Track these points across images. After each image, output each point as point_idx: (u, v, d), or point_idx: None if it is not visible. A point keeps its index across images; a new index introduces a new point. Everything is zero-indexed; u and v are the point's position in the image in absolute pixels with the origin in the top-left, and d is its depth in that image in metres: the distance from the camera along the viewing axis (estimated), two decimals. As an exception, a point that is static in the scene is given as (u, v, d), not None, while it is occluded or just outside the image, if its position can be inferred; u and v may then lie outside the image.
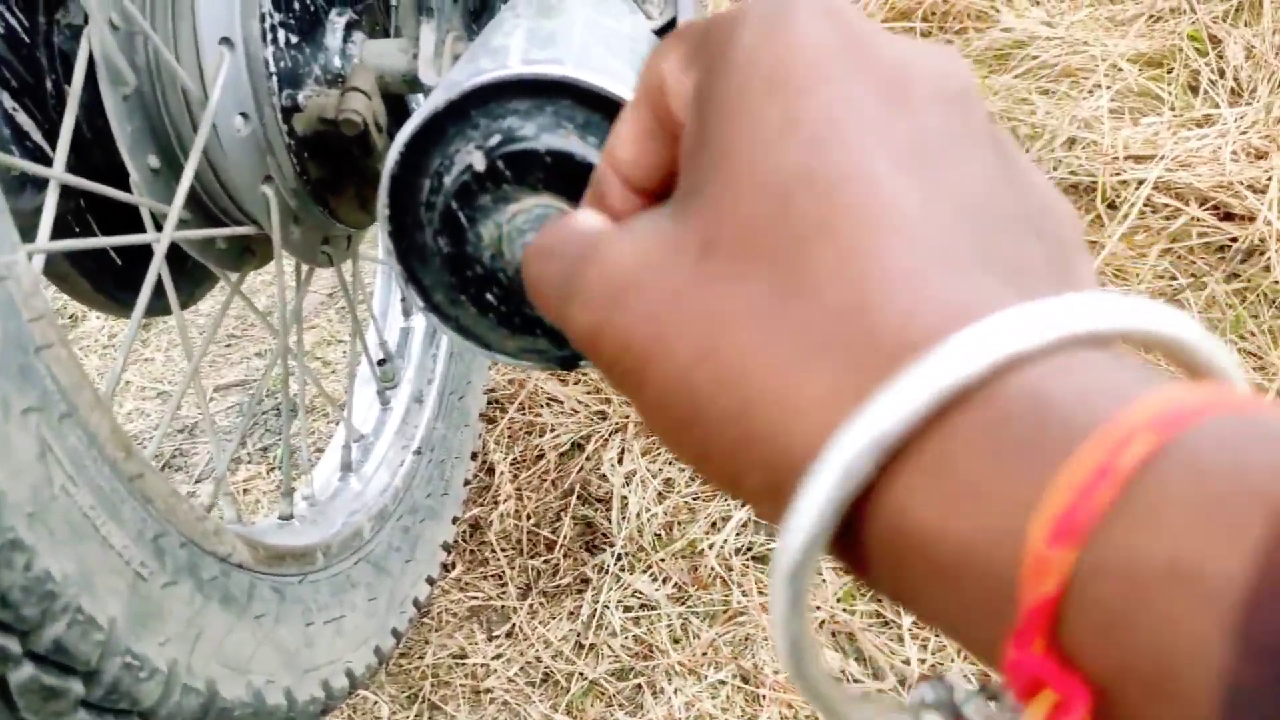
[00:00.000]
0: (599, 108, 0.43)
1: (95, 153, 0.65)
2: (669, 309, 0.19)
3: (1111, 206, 1.29)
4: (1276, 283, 1.13)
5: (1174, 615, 0.13)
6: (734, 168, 0.19)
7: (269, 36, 0.63)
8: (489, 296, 0.47)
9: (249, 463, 1.15)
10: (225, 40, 0.61)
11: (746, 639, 0.88)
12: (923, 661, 0.82)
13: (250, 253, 0.73)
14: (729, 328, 0.18)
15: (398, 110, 0.75)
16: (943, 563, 0.16)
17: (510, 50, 0.45)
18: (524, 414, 1.16)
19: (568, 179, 0.43)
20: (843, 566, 0.18)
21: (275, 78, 0.63)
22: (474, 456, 1.08)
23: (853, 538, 0.17)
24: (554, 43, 0.46)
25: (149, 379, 1.32)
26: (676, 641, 0.89)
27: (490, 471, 1.09)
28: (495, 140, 0.43)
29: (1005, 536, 0.15)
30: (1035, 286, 0.17)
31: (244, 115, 0.63)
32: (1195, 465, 0.13)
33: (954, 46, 0.21)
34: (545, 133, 0.43)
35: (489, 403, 1.18)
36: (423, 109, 0.44)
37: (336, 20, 0.70)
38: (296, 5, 0.66)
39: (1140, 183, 1.27)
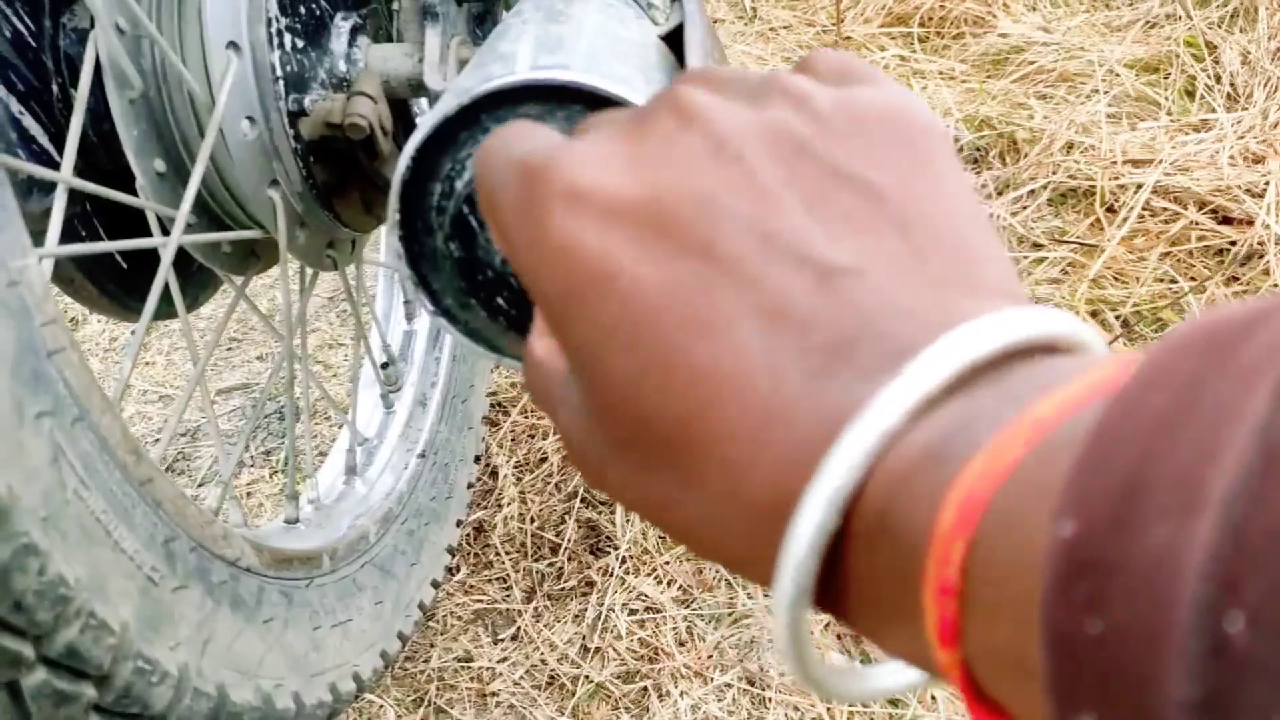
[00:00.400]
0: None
1: (101, 157, 0.65)
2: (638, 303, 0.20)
3: (1110, 210, 1.29)
4: (1276, 285, 1.14)
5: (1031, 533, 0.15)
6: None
7: (275, 41, 0.63)
8: (500, 300, 0.47)
9: (252, 466, 1.15)
10: (232, 44, 0.61)
11: (752, 641, 0.88)
12: (927, 664, 0.82)
13: (255, 256, 0.74)
14: (708, 334, 0.19)
15: (402, 115, 0.76)
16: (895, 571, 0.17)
17: (519, 56, 0.45)
18: (527, 417, 1.16)
19: (579, 183, 0.43)
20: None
21: (281, 82, 0.64)
22: (477, 460, 1.08)
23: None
24: (561, 48, 0.46)
25: (151, 383, 1.32)
26: (682, 644, 0.89)
27: (494, 474, 1.09)
28: (507, 145, 0.43)
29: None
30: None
31: (250, 119, 0.63)
32: (1017, 503, 0.16)
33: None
34: (557, 138, 0.43)
35: (492, 406, 1.18)
36: (433, 114, 0.44)
37: (342, 25, 0.71)
38: (302, 10, 0.66)
39: (1139, 187, 1.27)
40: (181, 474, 1.14)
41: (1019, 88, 1.59)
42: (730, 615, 0.90)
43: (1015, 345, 0.17)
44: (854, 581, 0.18)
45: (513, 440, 1.13)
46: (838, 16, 1.88)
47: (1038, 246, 1.26)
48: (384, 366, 1.00)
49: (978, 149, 1.48)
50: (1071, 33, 1.71)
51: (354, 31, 0.72)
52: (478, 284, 0.47)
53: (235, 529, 0.64)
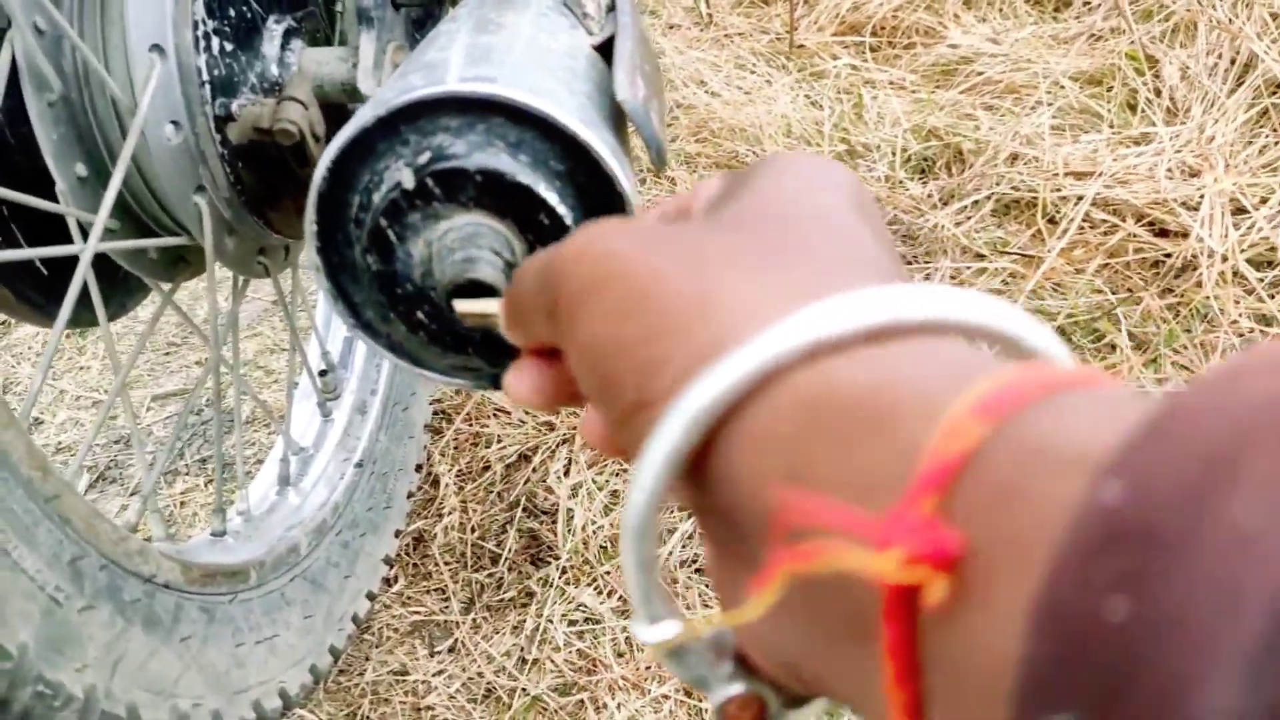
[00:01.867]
0: (531, 125, 0.43)
1: (20, 160, 0.63)
2: (654, 246, 0.24)
3: (1052, 221, 1.31)
4: (1208, 298, 1.16)
5: (1049, 494, 0.13)
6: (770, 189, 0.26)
7: (202, 44, 0.62)
8: (419, 314, 0.46)
9: (186, 474, 1.13)
10: (156, 47, 0.60)
11: (690, 652, 0.88)
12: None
13: (184, 262, 0.72)
14: (711, 264, 0.22)
15: (338, 120, 0.74)
16: (860, 418, 0.17)
17: (444, 65, 0.45)
18: (471, 425, 1.15)
19: (499, 197, 0.43)
20: (687, 490, 0.21)
21: (208, 86, 0.62)
22: (419, 468, 1.06)
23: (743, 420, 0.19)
24: (488, 60, 0.45)
25: (84, 388, 1.29)
26: (621, 655, 0.88)
27: (435, 483, 1.08)
28: (425, 158, 0.42)
29: (926, 406, 0.16)
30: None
31: (175, 124, 0.62)
32: (1021, 454, 0.15)
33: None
34: (476, 151, 0.42)
35: (436, 414, 1.17)
36: (351, 124, 0.43)
37: (274, 28, 0.69)
38: (232, 12, 0.65)
39: (1079, 199, 1.29)
40: (114, 482, 1.12)
41: (967, 98, 1.61)
42: (670, 626, 0.89)
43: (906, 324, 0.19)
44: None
45: (455, 448, 1.12)
46: (791, 24, 1.89)
47: (980, 257, 1.27)
48: (322, 374, 0.99)
49: (925, 159, 1.50)
50: (1019, 44, 1.73)
51: (288, 34, 0.70)
52: (397, 297, 0.46)
53: (154, 544, 0.63)
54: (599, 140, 0.43)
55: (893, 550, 0.14)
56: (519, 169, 0.42)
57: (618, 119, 0.49)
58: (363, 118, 0.43)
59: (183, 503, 1.08)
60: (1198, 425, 0.12)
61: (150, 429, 1.20)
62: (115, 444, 1.17)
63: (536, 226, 0.43)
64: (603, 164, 0.43)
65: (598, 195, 0.44)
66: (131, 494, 1.11)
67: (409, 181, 0.42)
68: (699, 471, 0.20)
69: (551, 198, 0.43)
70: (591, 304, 0.23)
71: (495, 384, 0.50)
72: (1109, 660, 0.11)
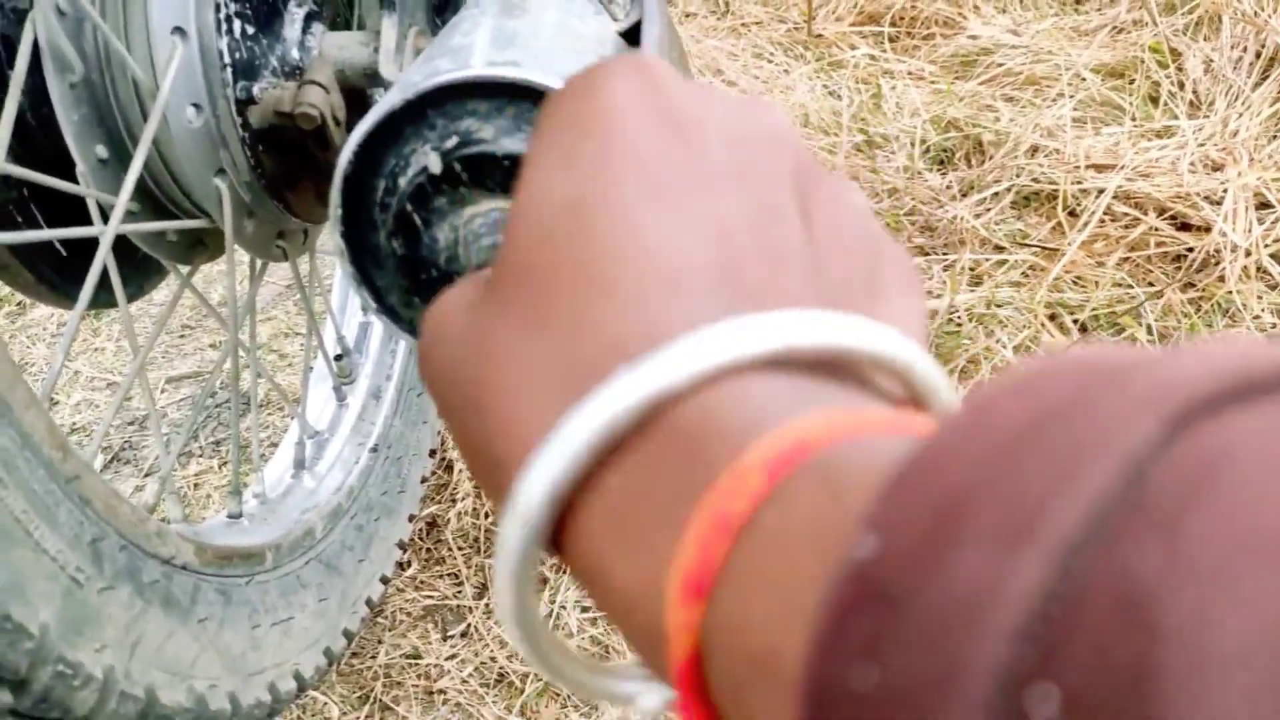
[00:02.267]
0: (558, 111, 0.42)
1: (41, 141, 0.63)
2: (453, 342, 0.20)
3: (1072, 214, 1.30)
4: (1231, 293, 1.15)
5: (758, 699, 0.13)
6: (519, 205, 0.20)
7: (224, 27, 0.61)
8: (443, 300, 0.46)
9: (201, 456, 1.13)
10: (178, 30, 0.60)
11: (702, 642, 0.88)
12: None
13: (202, 245, 0.72)
14: (490, 359, 0.19)
15: (358, 104, 0.74)
16: (617, 605, 0.16)
17: (470, 50, 0.44)
18: (484, 411, 1.15)
19: (525, 183, 0.42)
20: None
21: (230, 69, 0.62)
22: (433, 453, 1.06)
23: (563, 545, 0.17)
24: (514, 44, 0.45)
25: (99, 369, 1.29)
26: (632, 644, 0.88)
27: (449, 469, 1.08)
28: (452, 142, 0.42)
29: (654, 589, 0.15)
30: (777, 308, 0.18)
31: (196, 106, 0.61)
32: (783, 524, 0.13)
33: (770, 102, 0.24)
34: (504, 136, 0.42)
35: (449, 399, 1.17)
36: (377, 108, 0.42)
37: (295, 11, 0.69)
38: (253, -5, 0.65)
39: (1100, 191, 1.28)
40: (128, 464, 1.12)
41: (987, 90, 1.60)
42: (683, 615, 0.89)
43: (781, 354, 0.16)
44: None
45: (470, 434, 1.12)
46: (809, 13, 1.87)
47: (1000, 249, 1.26)
48: (338, 359, 0.99)
49: (944, 150, 1.49)
50: (1040, 36, 1.71)
51: (309, 18, 0.70)
52: (421, 283, 0.45)
53: (172, 526, 0.63)
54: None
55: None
56: (545, 154, 0.42)
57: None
58: (389, 101, 0.42)
59: (197, 484, 1.09)
60: (937, 469, 0.11)
61: (165, 411, 1.20)
62: (129, 425, 1.18)
63: (561, 213, 0.43)
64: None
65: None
66: (146, 475, 1.11)
67: (436, 166, 0.42)
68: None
69: (577, 184, 0.42)
70: (440, 409, 0.22)
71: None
72: None
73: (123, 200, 0.57)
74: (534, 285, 0.18)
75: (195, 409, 0.71)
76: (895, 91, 1.63)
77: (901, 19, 1.85)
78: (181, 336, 1.36)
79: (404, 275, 0.45)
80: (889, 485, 0.11)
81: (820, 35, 1.85)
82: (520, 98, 0.42)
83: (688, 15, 2.12)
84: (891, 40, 1.81)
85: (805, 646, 0.11)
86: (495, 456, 0.18)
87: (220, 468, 1.10)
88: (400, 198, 0.43)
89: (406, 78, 0.44)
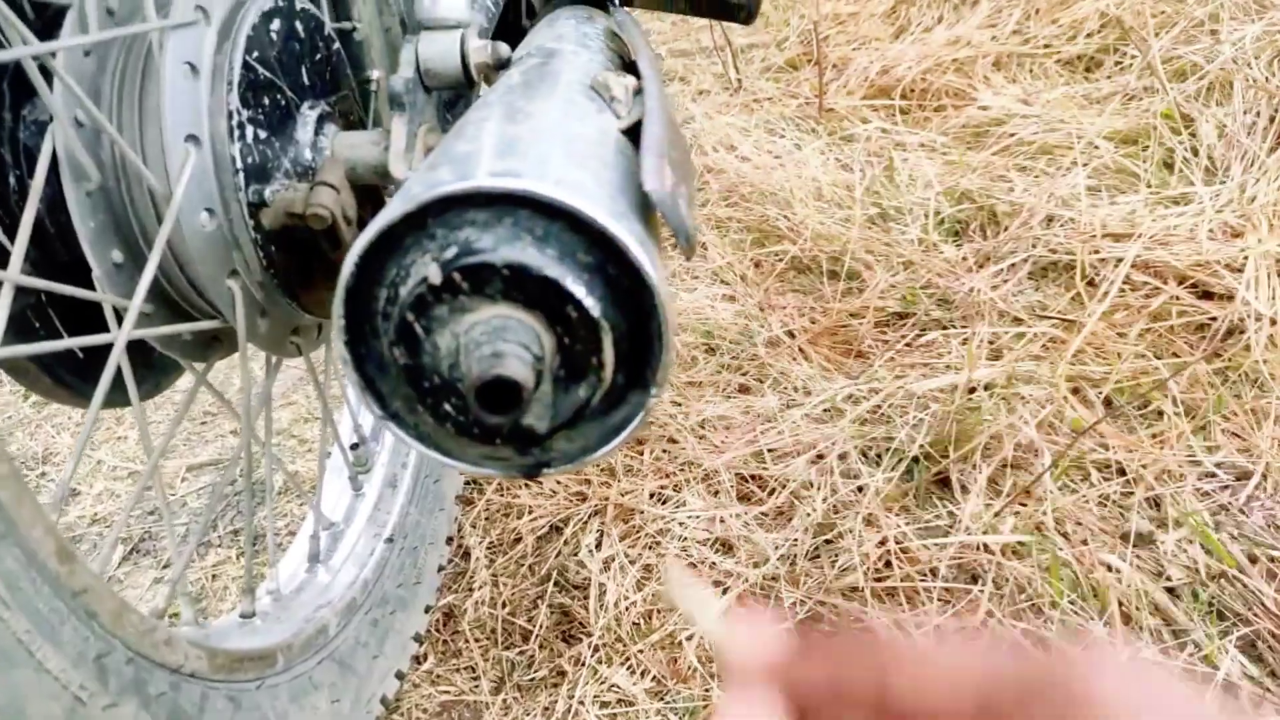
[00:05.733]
0: (558, 218, 0.42)
1: (58, 248, 0.64)
2: None
3: (1091, 284, 1.29)
4: (1258, 362, 1.13)
5: None
6: None
7: (236, 133, 0.62)
8: (447, 406, 0.46)
9: (219, 546, 1.12)
10: (191, 138, 0.61)
11: (726, 736, 0.85)
12: None
13: (218, 342, 0.72)
14: None
15: (370, 201, 0.75)
16: None
17: (471, 159, 0.45)
18: (502, 495, 1.14)
19: (526, 290, 0.42)
20: None
21: (242, 174, 0.63)
22: (449, 541, 1.05)
23: None
24: (514, 152, 0.45)
25: (121, 458, 1.30)
26: (654, 739, 0.86)
27: (466, 556, 1.07)
28: (452, 252, 0.42)
29: None
30: None
31: (210, 211, 0.62)
32: None
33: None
34: (503, 245, 0.42)
35: (468, 483, 1.16)
36: (378, 219, 0.43)
37: (308, 114, 0.70)
38: (266, 101, 0.66)
39: (1119, 261, 1.27)
40: (147, 554, 1.12)
41: (999, 160, 1.60)
42: (705, 708, 0.87)
43: None
44: None
45: (487, 519, 1.11)
46: (820, 89, 1.90)
47: (1018, 321, 1.25)
48: (353, 448, 0.99)
49: (959, 222, 1.49)
50: (1051, 105, 1.73)
51: (321, 119, 0.72)
52: (424, 390, 0.45)
53: (182, 629, 0.62)
54: (626, 232, 0.42)
55: None
56: (546, 262, 0.42)
57: (645, 204, 0.48)
58: (390, 213, 0.43)
59: (215, 575, 1.08)
60: None
61: (184, 500, 1.21)
62: (150, 515, 1.18)
63: (564, 319, 0.43)
64: (630, 255, 0.42)
65: (626, 286, 0.44)
66: (165, 566, 1.11)
67: (436, 276, 0.42)
68: None
69: (579, 290, 0.42)
70: None
71: (526, 473, 0.50)
72: None
73: (135, 305, 0.58)
74: None
75: (209, 505, 0.70)
76: (908, 164, 1.64)
77: (912, 92, 1.87)
78: (203, 424, 1.37)
79: (407, 383, 0.45)
80: None
81: (831, 110, 1.87)
82: (520, 206, 0.42)
83: (701, 93, 2.16)
84: (903, 113, 1.83)
85: None
86: None
87: (237, 558, 1.10)
88: (401, 307, 0.43)
89: (407, 187, 0.44)
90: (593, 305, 0.43)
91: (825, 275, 1.41)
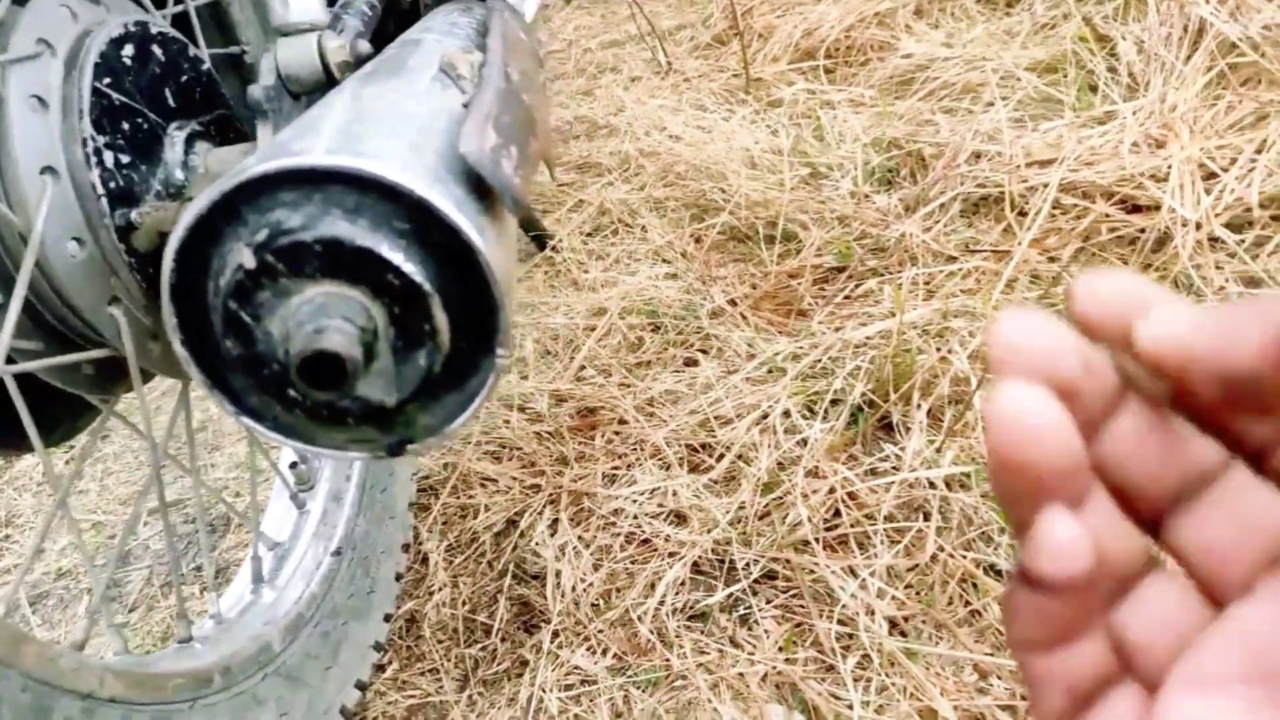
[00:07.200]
0: (368, 189, 0.42)
1: (-65, 294, 0.64)
2: None
3: (1021, 214, 1.29)
4: (1189, 267, 1.13)
5: None
6: None
7: (94, 160, 0.62)
8: (291, 392, 0.46)
9: (183, 583, 1.12)
10: (48, 169, 0.61)
11: (689, 703, 0.85)
12: (865, 704, 0.80)
13: (122, 373, 0.72)
14: None
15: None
16: None
17: (282, 145, 0.45)
18: (457, 497, 1.14)
19: (344, 264, 0.42)
20: None
21: (106, 199, 0.63)
22: (406, 548, 1.05)
23: None
24: (318, 130, 0.45)
25: (83, 511, 1.30)
26: (619, 716, 0.86)
27: (424, 561, 1.07)
28: (263, 235, 0.42)
29: None
30: None
31: (78, 240, 0.62)
32: None
33: None
34: (313, 222, 0.42)
35: (422, 489, 1.16)
36: (188, 212, 0.43)
37: (175, 135, 0.70)
38: (125, 125, 0.66)
39: (1045, 186, 1.27)
40: (112, 600, 1.12)
41: (924, 105, 1.60)
42: (666, 678, 0.87)
43: None
44: None
45: (444, 523, 1.11)
46: (744, 60, 1.90)
47: (951, 259, 1.25)
48: (293, 466, 0.99)
49: (889, 170, 1.49)
50: (972, 44, 1.72)
51: (191, 139, 0.72)
52: (265, 379, 0.45)
53: (112, 658, 0.62)
54: (440, 195, 0.42)
55: None
56: (358, 233, 0.42)
57: (476, 172, 0.48)
58: (198, 204, 0.43)
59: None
60: None
61: (147, 544, 1.21)
62: (121, 564, 1.18)
63: (389, 289, 0.43)
64: (443, 216, 0.42)
65: (454, 250, 0.43)
66: (131, 610, 1.11)
67: (250, 261, 0.42)
68: None
69: (396, 257, 0.42)
70: None
71: (390, 451, 0.50)
72: None
73: (4, 342, 0.58)
74: None
75: (121, 537, 0.70)
76: (836, 120, 1.64)
77: (836, 50, 1.87)
78: (163, 466, 1.37)
79: (246, 373, 0.45)
80: None
81: (759, 79, 1.87)
82: (328, 182, 0.42)
83: (634, 80, 2.16)
84: (828, 72, 1.83)
85: None
86: None
87: (201, 594, 1.10)
88: (223, 296, 0.43)
89: (218, 180, 0.44)
90: (413, 270, 0.43)
91: (763, 241, 1.41)
